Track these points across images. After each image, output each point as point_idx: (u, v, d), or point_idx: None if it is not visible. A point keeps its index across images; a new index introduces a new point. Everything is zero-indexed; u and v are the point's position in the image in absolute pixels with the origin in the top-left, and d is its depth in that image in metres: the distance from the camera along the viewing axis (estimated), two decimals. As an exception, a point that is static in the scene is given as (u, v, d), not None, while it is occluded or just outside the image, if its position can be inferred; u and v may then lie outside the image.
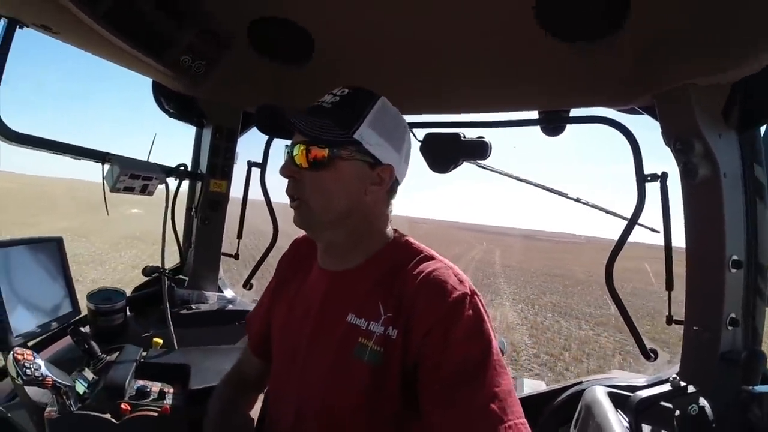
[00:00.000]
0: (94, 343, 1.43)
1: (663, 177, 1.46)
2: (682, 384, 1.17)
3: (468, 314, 0.80)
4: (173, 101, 1.80)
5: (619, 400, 1.39)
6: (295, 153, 0.89)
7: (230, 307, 1.92)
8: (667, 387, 1.20)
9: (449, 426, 0.75)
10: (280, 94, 1.84)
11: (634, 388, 1.45)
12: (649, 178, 1.50)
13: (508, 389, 0.77)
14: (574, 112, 1.70)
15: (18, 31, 1.27)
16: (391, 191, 0.97)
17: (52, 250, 1.42)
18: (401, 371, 0.82)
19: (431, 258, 0.92)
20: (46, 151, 1.39)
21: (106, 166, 1.50)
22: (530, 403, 1.71)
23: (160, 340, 1.59)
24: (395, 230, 1.00)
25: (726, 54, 1.16)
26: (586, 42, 1.35)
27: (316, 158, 0.87)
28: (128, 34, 1.35)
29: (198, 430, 1.32)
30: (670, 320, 1.45)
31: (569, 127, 1.74)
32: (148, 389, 1.29)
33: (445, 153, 1.80)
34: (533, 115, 1.75)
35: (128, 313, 1.76)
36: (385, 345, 0.84)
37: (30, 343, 1.31)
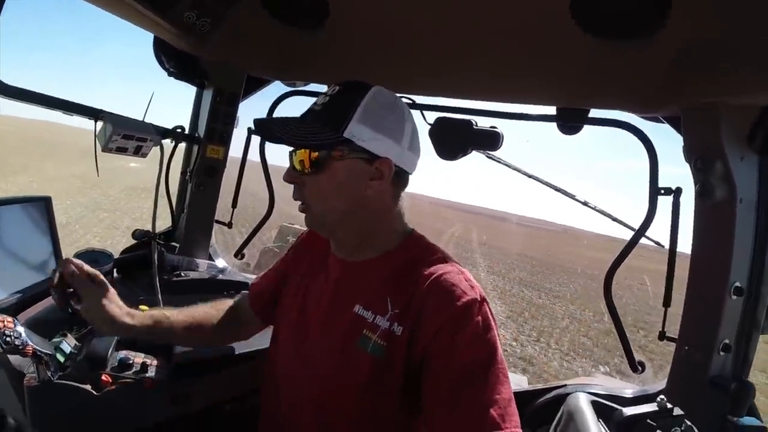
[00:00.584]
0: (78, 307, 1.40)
1: (677, 192, 1.42)
2: (669, 405, 1.17)
3: (476, 320, 0.81)
4: (174, 59, 1.68)
5: (602, 411, 1.40)
6: (294, 159, 0.91)
7: (220, 276, 1.88)
8: (653, 406, 1.20)
9: (449, 426, 0.77)
10: (287, 62, 1.74)
11: (619, 400, 1.47)
12: (662, 192, 1.45)
13: (508, 397, 0.78)
14: (594, 113, 1.63)
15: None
16: (398, 183, 0.95)
17: (40, 210, 1.35)
18: (404, 369, 0.84)
19: (444, 260, 0.92)
20: (38, 105, 1.30)
21: (99, 124, 1.41)
22: None
23: (146, 308, 1.55)
24: (412, 229, 1.01)
25: (762, 75, 1.11)
26: (620, 40, 1.28)
27: (312, 162, 0.88)
28: None
29: (181, 403, 1.32)
30: (662, 336, 1.44)
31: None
32: (131, 360, 1.26)
33: (455, 139, 1.74)
34: (551, 110, 1.68)
35: (116, 275, 1.72)
36: (388, 340, 0.85)
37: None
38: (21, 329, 1.04)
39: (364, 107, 0.87)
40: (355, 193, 0.90)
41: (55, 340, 1.26)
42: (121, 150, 1.46)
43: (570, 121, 1.65)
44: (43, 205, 1.36)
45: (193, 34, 1.50)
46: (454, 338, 0.80)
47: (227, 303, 1.24)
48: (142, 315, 1.11)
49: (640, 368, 1.52)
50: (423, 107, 1.79)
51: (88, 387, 1.11)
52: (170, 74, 1.70)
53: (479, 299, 0.84)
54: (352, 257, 0.98)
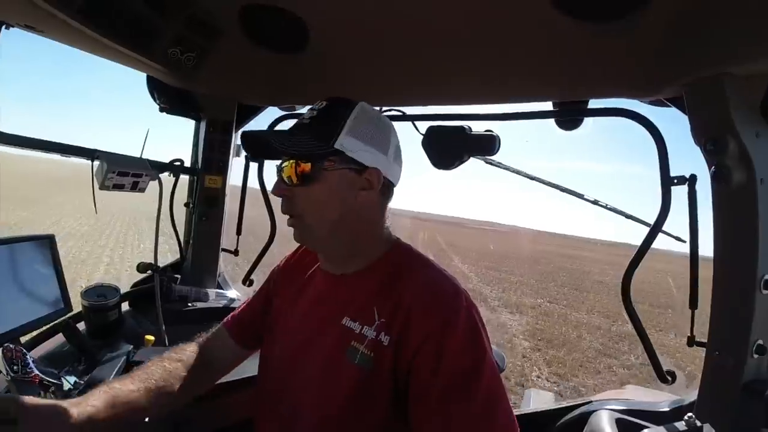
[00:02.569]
0: (86, 340, 1.45)
1: (691, 180, 1.29)
2: (698, 424, 1.03)
3: (463, 327, 0.80)
4: (166, 95, 1.75)
5: (626, 428, 1.26)
6: (283, 172, 0.91)
7: (227, 304, 1.89)
8: (681, 426, 1.08)
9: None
10: (276, 87, 1.76)
11: (648, 416, 1.33)
12: (675, 181, 1.32)
13: (500, 404, 0.77)
14: (594, 104, 1.52)
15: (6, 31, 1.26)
16: (385, 194, 0.97)
17: (44, 248, 1.42)
18: (392, 379, 0.83)
19: (429, 267, 0.93)
20: (34, 150, 1.39)
21: (96, 163, 1.48)
22: (535, 420, 1.62)
23: (152, 338, 1.57)
24: (397, 238, 1.01)
25: None
26: (607, 21, 1.18)
27: (303, 173, 0.89)
28: (110, 29, 1.29)
29: (182, 430, 1.32)
30: (692, 341, 1.28)
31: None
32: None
33: (450, 148, 1.69)
34: (547, 106, 1.59)
35: (128, 307, 1.77)
36: (375, 350, 0.84)
37: (25, 339, 1.34)
38: (29, 359, 1.11)
39: (353, 120, 0.90)
40: (346, 203, 0.91)
41: (64, 371, 1.32)
42: (118, 187, 1.52)
43: (569, 116, 1.55)
44: (47, 243, 1.42)
45: (180, 70, 1.55)
46: (441, 347, 0.78)
47: (188, 348, 1.13)
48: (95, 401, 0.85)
49: (669, 378, 1.37)
50: (414, 118, 1.75)
51: None
52: (162, 110, 1.76)
53: (465, 305, 0.83)
54: (340, 270, 0.99)
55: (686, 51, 1.15)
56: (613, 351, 8.66)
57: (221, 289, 2.02)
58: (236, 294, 2.01)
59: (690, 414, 1.06)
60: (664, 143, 1.37)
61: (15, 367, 1.07)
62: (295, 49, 1.57)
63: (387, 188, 0.96)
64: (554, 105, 1.57)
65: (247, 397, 1.36)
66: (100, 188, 1.48)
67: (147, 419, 0.98)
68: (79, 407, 0.80)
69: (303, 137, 0.90)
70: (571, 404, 1.58)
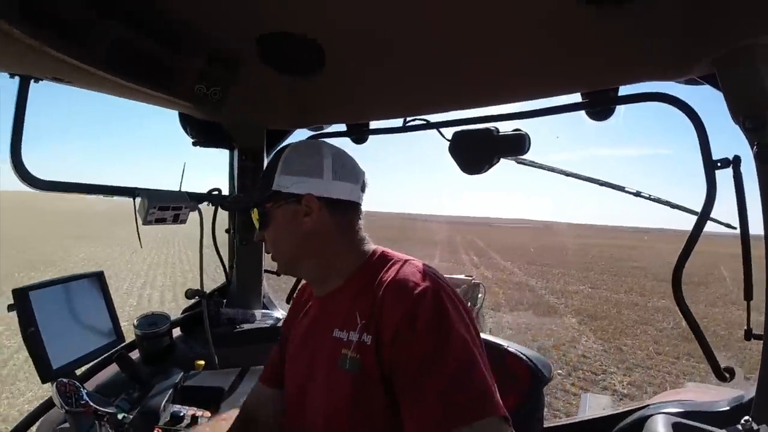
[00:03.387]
0: (139, 368, 1.54)
1: (735, 162, 1.17)
2: (755, 427, 0.93)
3: (428, 307, 0.82)
4: (197, 128, 1.84)
5: None
6: (254, 221, 1.06)
7: (274, 324, 1.94)
8: (738, 429, 0.98)
9: (414, 419, 0.77)
10: (300, 109, 1.80)
11: (707, 417, 1.24)
12: (719, 164, 1.21)
13: (472, 375, 0.77)
14: (624, 90, 1.43)
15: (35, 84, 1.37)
16: (336, 212, 1.00)
17: (94, 285, 1.52)
18: (380, 375, 0.85)
19: (400, 262, 0.97)
20: (76, 193, 1.49)
21: (138, 200, 1.57)
22: (592, 427, 1.56)
23: (203, 362, 1.64)
24: (376, 248, 1.05)
25: None
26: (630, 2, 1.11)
27: (259, 219, 1.03)
28: (135, 74, 1.37)
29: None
30: (749, 335, 1.18)
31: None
32: (182, 414, 1.34)
33: (479, 151, 1.64)
34: (576, 98, 1.51)
35: (178, 333, 1.86)
36: (360, 351, 0.88)
37: (80, 371, 1.44)
38: (83, 391, 1.17)
39: (284, 161, 1.00)
40: (296, 233, 0.99)
41: (118, 400, 1.40)
42: (161, 221, 1.61)
43: (599, 105, 1.46)
44: (97, 279, 1.52)
45: (207, 104, 1.62)
46: (410, 330, 0.81)
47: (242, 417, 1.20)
48: None
49: (728, 375, 1.27)
50: (438, 125, 1.72)
51: None
52: (195, 144, 1.84)
53: (431, 288, 0.85)
54: (323, 291, 1.04)
55: (713, 23, 1.07)
56: (649, 320, 10.20)
57: (267, 309, 2.08)
58: (281, 313, 2.06)
59: (747, 418, 0.96)
60: (703, 125, 1.26)
61: (69, 400, 1.14)
62: (313, 71, 1.60)
63: (335, 206, 0.99)
64: (583, 96, 1.48)
65: None
66: (144, 224, 1.57)
67: None
68: None
69: (254, 191, 1.07)
70: (628, 409, 1.48)
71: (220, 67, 1.57)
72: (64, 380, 1.19)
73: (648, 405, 1.43)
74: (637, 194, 1.51)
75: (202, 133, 1.86)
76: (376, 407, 0.86)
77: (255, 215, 1.04)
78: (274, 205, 0.99)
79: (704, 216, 1.27)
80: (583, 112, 1.51)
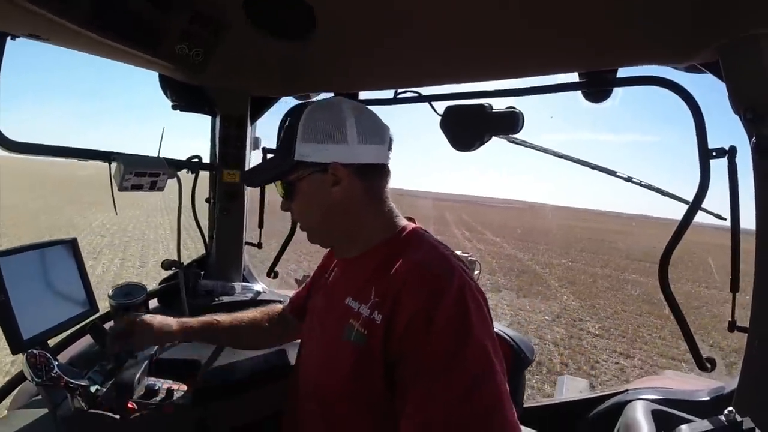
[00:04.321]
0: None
1: (731, 152, 1.17)
2: (738, 419, 0.94)
3: (449, 305, 0.78)
4: (179, 92, 1.74)
5: (665, 420, 1.18)
6: (278, 192, 1.03)
7: (253, 297, 1.90)
8: (720, 419, 0.99)
9: (408, 416, 0.75)
10: (287, 75, 1.72)
11: (686, 405, 1.26)
12: (714, 154, 1.20)
13: (485, 387, 0.73)
14: (623, 73, 1.40)
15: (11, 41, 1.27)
16: (365, 178, 0.96)
17: (66, 252, 1.44)
18: (383, 357, 0.83)
19: (430, 250, 0.92)
20: (50, 156, 1.41)
21: (113, 165, 1.49)
22: (569, 409, 1.56)
23: (179, 333, 1.60)
24: (407, 224, 1.01)
25: None
26: None
27: (285, 190, 1.00)
28: (115, 32, 1.28)
29: (204, 428, 1.33)
30: (732, 327, 1.19)
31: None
32: (157, 387, 1.30)
33: (470, 128, 1.60)
34: (573, 78, 1.47)
35: (157, 305, 1.81)
36: (368, 328, 0.85)
37: (53, 342, 1.38)
38: (54, 363, 1.11)
39: (302, 127, 0.93)
40: (324, 204, 0.96)
41: (90, 372, 1.35)
42: (137, 187, 1.53)
43: (596, 86, 1.43)
44: (69, 246, 1.45)
45: (189, 65, 1.54)
46: (426, 327, 0.77)
47: (276, 308, 1.38)
48: (193, 323, 1.24)
49: (709, 366, 1.28)
50: (431, 98, 1.67)
51: (116, 415, 1.15)
52: (175, 107, 1.76)
53: (456, 284, 0.81)
54: (345, 254, 1.04)
55: (721, 9, 1.03)
56: (619, 288, 12.64)
57: (247, 282, 2.04)
58: (262, 286, 2.02)
59: (730, 408, 0.98)
60: (701, 113, 1.24)
61: (39, 372, 1.08)
62: (303, 35, 1.52)
63: (363, 173, 0.95)
64: (580, 76, 1.45)
65: (277, 390, 1.37)
66: (119, 190, 1.49)
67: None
68: (182, 324, 1.20)
69: (274, 160, 1.03)
70: (606, 393, 1.50)
71: (205, 27, 1.49)
72: (35, 351, 1.12)
73: (626, 390, 1.45)
74: (629, 179, 1.50)
75: (184, 97, 1.76)
76: (373, 387, 0.84)
77: (279, 185, 1.00)
78: (297, 176, 0.95)
79: (695, 205, 1.26)
80: (579, 93, 1.48)
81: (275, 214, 1.38)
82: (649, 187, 1.49)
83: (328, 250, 1.21)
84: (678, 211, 1.32)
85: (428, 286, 0.80)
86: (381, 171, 0.98)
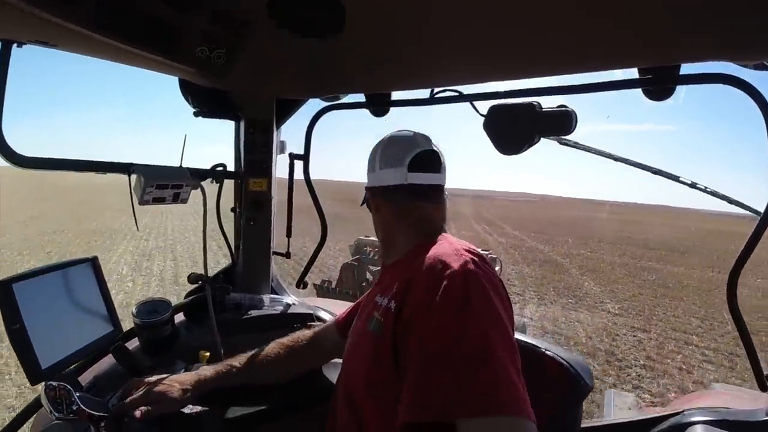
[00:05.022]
0: (138, 359, 1.41)
1: None
2: None
3: (450, 290, 0.82)
4: (201, 98, 1.64)
5: None
6: None
7: (283, 310, 1.81)
8: None
9: (408, 395, 0.78)
10: (314, 76, 1.60)
11: (743, 427, 1.22)
12: None
13: (477, 374, 0.73)
14: (686, 69, 1.24)
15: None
16: (392, 198, 1.11)
17: (86, 271, 1.37)
18: (392, 344, 0.88)
19: (446, 243, 0.98)
20: (65, 170, 1.32)
21: (133, 177, 1.41)
22: None
23: (207, 353, 1.52)
24: (437, 234, 1.06)
25: None
26: None
27: None
28: (129, 35, 1.18)
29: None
30: None
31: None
32: (188, 413, 1.23)
33: (518, 129, 1.46)
34: (632, 74, 1.32)
35: (183, 318, 1.73)
36: (385, 316, 0.93)
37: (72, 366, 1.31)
38: (75, 396, 1.05)
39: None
40: (374, 220, 1.19)
41: (115, 396, 1.28)
42: (159, 200, 1.45)
43: (658, 84, 1.28)
44: (90, 265, 1.37)
45: (210, 69, 1.43)
46: (428, 311, 0.81)
47: (305, 333, 1.40)
48: (207, 378, 1.23)
49: None
50: (472, 98, 1.53)
51: None
52: (197, 114, 1.65)
53: (461, 272, 0.84)
54: (386, 262, 1.18)
55: None
56: (636, 275, 13.89)
57: (276, 294, 1.95)
58: (292, 299, 1.93)
59: None
60: None
61: (60, 407, 1.02)
62: (331, 33, 1.39)
63: (386, 193, 1.12)
64: (640, 72, 1.30)
65: (313, 415, 1.29)
66: (140, 204, 1.41)
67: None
68: (196, 375, 1.22)
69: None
70: (660, 415, 1.40)
71: (226, 26, 1.37)
72: (53, 384, 1.06)
73: (682, 411, 1.35)
74: (693, 185, 1.35)
75: (206, 103, 1.66)
76: (388, 372, 0.88)
77: None
78: (367, 200, 1.20)
79: (767, 218, 1.13)
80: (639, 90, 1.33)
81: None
82: (715, 194, 1.35)
83: None
84: (700, 202, 1.28)
85: (435, 276, 0.85)
86: (402, 189, 1.08)
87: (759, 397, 1.35)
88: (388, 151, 1.11)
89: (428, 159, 1.10)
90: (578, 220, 37.23)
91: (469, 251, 0.94)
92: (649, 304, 10.17)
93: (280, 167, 1.88)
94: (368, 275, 6.60)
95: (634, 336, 7.80)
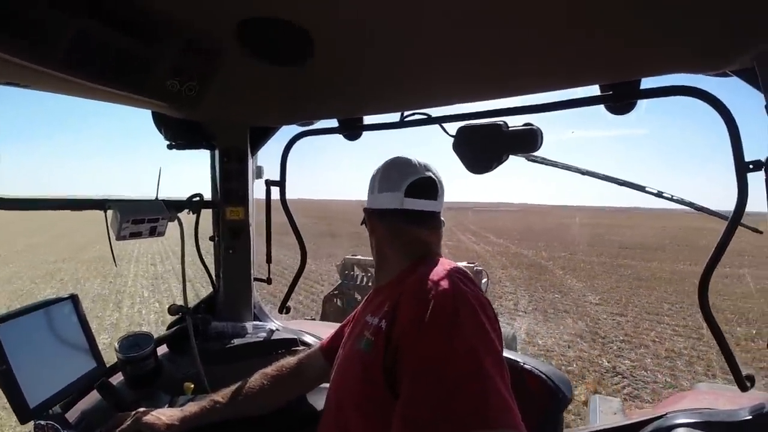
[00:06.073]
0: (123, 394, 1.40)
1: None
2: None
3: (439, 310, 0.83)
4: (175, 129, 1.64)
5: None
6: None
7: (266, 336, 1.81)
8: None
9: (399, 415, 0.78)
10: (286, 103, 1.61)
11: (726, 428, 1.24)
12: (751, 167, 1.12)
13: (465, 391, 0.75)
14: (647, 83, 1.29)
15: None
16: (385, 220, 1.14)
17: (67, 309, 1.36)
18: (383, 362, 0.89)
19: (434, 264, 1.01)
20: (40, 210, 1.32)
21: (109, 213, 1.40)
22: None
23: (192, 385, 1.51)
24: (427, 255, 1.09)
25: None
26: None
27: None
28: (98, 73, 1.18)
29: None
30: None
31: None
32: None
33: (486, 148, 1.50)
34: (593, 90, 1.37)
35: (167, 350, 1.72)
36: (375, 335, 0.94)
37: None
38: None
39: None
40: (370, 239, 1.22)
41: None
42: (135, 235, 1.45)
43: (619, 100, 1.33)
44: (70, 303, 1.37)
45: (182, 101, 1.43)
46: (417, 331, 0.83)
47: (289, 361, 1.38)
48: (193, 414, 1.20)
49: (748, 384, 1.24)
50: (441, 120, 1.57)
51: None
52: (171, 147, 1.65)
53: (451, 293, 0.87)
54: (378, 283, 1.20)
55: (759, 12, 0.94)
56: (614, 271, 15.05)
57: (258, 320, 1.94)
58: (276, 325, 1.92)
59: None
60: (736, 125, 1.16)
61: None
62: (300, 61, 1.41)
63: (382, 216, 1.15)
64: (602, 88, 1.35)
65: None
66: (117, 239, 1.41)
67: None
68: (181, 411, 1.20)
69: None
70: (642, 419, 1.42)
71: (196, 58, 1.37)
72: (42, 423, 1.10)
73: (664, 415, 1.37)
74: (659, 195, 1.40)
75: (180, 134, 1.65)
76: (377, 392, 0.88)
77: None
78: (363, 218, 1.23)
79: (735, 221, 1.18)
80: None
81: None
82: (681, 201, 1.39)
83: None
84: (666, 203, 1.35)
85: (424, 294, 0.87)
86: (397, 213, 1.10)
87: (742, 396, 1.36)
88: (387, 175, 1.14)
89: (426, 186, 1.12)
90: (558, 227, 38.70)
91: (457, 271, 0.98)
92: (625, 294, 11.39)
93: (258, 191, 1.89)
94: (357, 295, 6.31)
95: (614, 319, 9.04)
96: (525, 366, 1.30)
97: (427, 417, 0.74)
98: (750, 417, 1.22)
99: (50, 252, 17.49)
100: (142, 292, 10.56)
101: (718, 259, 1.22)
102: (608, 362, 6.65)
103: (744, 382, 1.24)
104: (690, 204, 1.39)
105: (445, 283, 0.89)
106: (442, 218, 1.17)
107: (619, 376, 6.10)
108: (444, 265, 0.99)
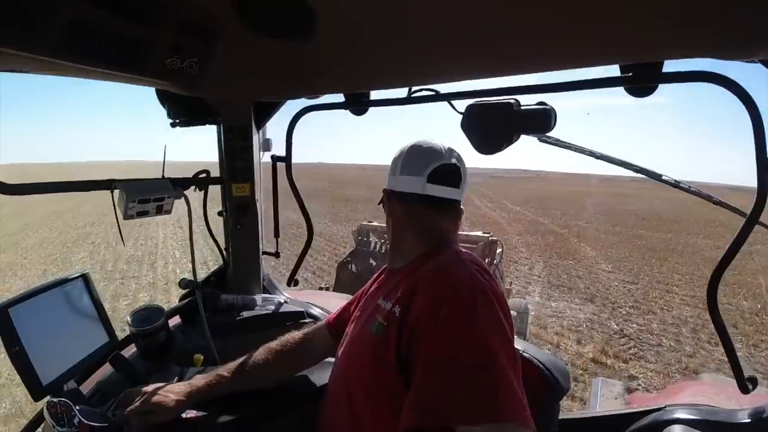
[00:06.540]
0: (136, 366, 1.47)
1: None
2: None
3: (455, 301, 0.84)
4: (180, 105, 1.62)
5: None
6: None
7: (275, 309, 1.85)
8: None
9: (410, 402, 0.80)
10: (289, 77, 1.56)
11: (723, 428, 1.25)
12: None
13: (479, 380, 0.77)
14: (670, 66, 1.19)
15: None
16: (405, 204, 1.12)
17: (78, 287, 1.40)
18: (396, 347, 0.90)
19: (452, 253, 1.03)
20: (49, 192, 1.33)
21: (116, 193, 1.42)
22: (604, 424, 1.52)
23: (201, 357, 1.57)
24: (446, 244, 1.09)
25: None
26: None
27: None
28: (95, 57, 1.16)
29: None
30: None
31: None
32: (182, 421, 1.28)
33: (496, 127, 1.43)
34: (614, 71, 1.28)
35: (179, 321, 1.78)
36: (388, 319, 0.95)
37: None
38: (76, 410, 1.10)
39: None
40: (387, 220, 1.20)
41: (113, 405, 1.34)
42: (142, 214, 1.46)
43: (640, 81, 1.23)
44: (81, 281, 1.41)
45: (184, 79, 1.40)
46: (433, 320, 0.84)
47: (295, 335, 1.40)
48: (199, 388, 1.23)
49: (750, 386, 1.22)
50: (449, 96, 1.50)
51: None
52: (174, 125, 1.64)
53: (467, 283, 0.87)
54: (392, 266, 1.18)
55: None
56: (629, 241, 15.31)
57: (268, 293, 1.99)
58: (284, 297, 1.97)
59: None
60: (761, 119, 1.08)
61: (61, 422, 1.07)
62: (303, 33, 1.35)
63: (402, 198, 1.12)
64: (622, 69, 1.25)
65: (303, 418, 1.33)
66: (124, 219, 1.43)
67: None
68: (188, 385, 1.22)
69: None
70: (643, 409, 1.44)
71: (196, 35, 1.34)
72: (54, 401, 1.11)
73: (664, 407, 1.38)
74: (676, 185, 1.33)
75: (184, 110, 1.64)
76: (389, 376, 0.90)
77: None
78: (382, 197, 1.20)
79: (752, 220, 1.12)
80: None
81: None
82: (699, 194, 1.32)
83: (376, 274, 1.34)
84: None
85: (441, 283, 0.89)
86: (418, 198, 1.08)
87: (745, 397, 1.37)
88: (411, 158, 1.12)
89: (449, 173, 1.10)
90: (574, 195, 38.91)
91: (474, 262, 0.98)
92: (637, 264, 11.75)
93: (265, 170, 1.88)
94: (372, 261, 6.13)
95: (625, 287, 9.36)
96: (524, 354, 1.30)
97: (439, 406, 0.76)
98: (749, 421, 1.22)
99: (77, 217, 17.92)
100: (174, 253, 11.06)
101: (731, 258, 1.18)
102: (617, 325, 6.83)
103: (746, 385, 1.23)
104: (708, 197, 1.32)
105: (463, 274, 0.90)
106: (462, 207, 1.15)
107: (626, 338, 6.28)
108: (461, 255, 1.00)
